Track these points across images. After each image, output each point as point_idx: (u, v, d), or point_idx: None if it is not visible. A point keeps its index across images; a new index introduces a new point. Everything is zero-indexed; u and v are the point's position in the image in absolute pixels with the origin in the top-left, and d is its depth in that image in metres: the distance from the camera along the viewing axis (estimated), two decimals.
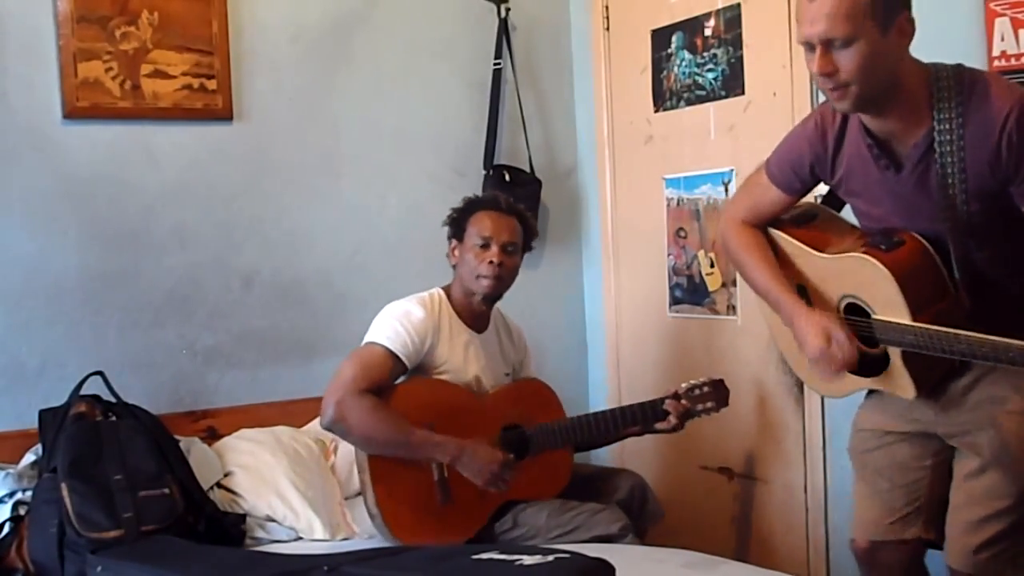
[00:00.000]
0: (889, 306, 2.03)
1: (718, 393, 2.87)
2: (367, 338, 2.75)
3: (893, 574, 2.27)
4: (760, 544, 3.29)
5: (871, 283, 2.05)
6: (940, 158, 1.93)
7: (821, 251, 2.19)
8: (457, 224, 2.87)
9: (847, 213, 2.31)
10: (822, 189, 2.33)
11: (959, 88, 1.93)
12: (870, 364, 2.14)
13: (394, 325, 2.73)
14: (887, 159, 2.03)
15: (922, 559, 2.30)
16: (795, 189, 2.24)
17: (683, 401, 2.83)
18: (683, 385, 2.86)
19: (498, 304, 2.94)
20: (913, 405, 2.16)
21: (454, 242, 2.88)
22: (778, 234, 2.28)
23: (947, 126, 1.92)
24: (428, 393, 2.75)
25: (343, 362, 2.71)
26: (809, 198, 2.35)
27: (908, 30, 1.92)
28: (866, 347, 2.13)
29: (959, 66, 1.98)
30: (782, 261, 2.26)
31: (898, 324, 2.01)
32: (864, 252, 2.06)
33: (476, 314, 2.87)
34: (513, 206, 2.89)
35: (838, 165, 2.13)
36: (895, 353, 2.08)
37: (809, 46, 1.94)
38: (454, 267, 2.89)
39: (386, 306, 2.80)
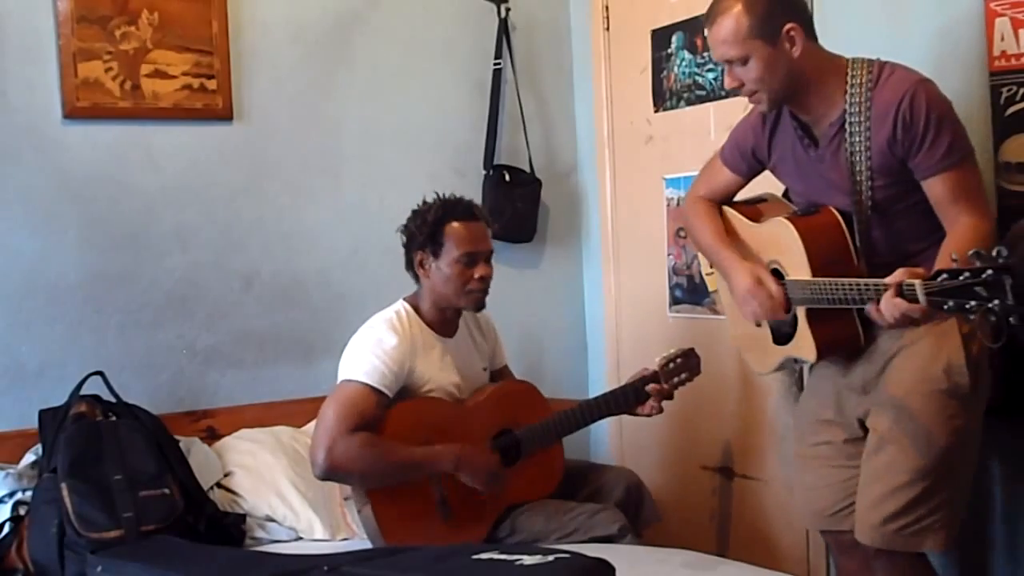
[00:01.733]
0: (798, 267, 2.27)
1: (690, 361, 2.94)
2: (343, 374, 2.66)
3: (856, 551, 2.38)
4: (760, 544, 3.28)
5: (786, 246, 2.30)
6: (849, 136, 2.19)
7: (756, 222, 2.48)
8: (432, 237, 2.74)
9: None
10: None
11: (870, 75, 2.19)
12: (788, 333, 2.36)
13: (369, 359, 2.64)
14: (809, 138, 2.30)
15: None
16: (742, 171, 2.52)
17: (664, 384, 2.86)
18: (658, 361, 2.89)
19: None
20: (842, 391, 2.37)
21: (424, 255, 2.76)
22: (728, 210, 2.56)
23: (856, 108, 2.18)
24: (417, 414, 2.69)
25: (323, 406, 2.62)
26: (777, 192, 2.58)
27: (797, 37, 2.17)
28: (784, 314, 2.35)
29: (877, 59, 2.22)
30: (728, 233, 2.53)
31: (800, 280, 2.25)
32: (783, 218, 2.33)
33: (447, 322, 2.82)
34: (481, 210, 2.85)
35: (773, 149, 2.41)
36: (801, 315, 2.30)
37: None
38: (421, 277, 2.79)
39: (356, 335, 2.73)
